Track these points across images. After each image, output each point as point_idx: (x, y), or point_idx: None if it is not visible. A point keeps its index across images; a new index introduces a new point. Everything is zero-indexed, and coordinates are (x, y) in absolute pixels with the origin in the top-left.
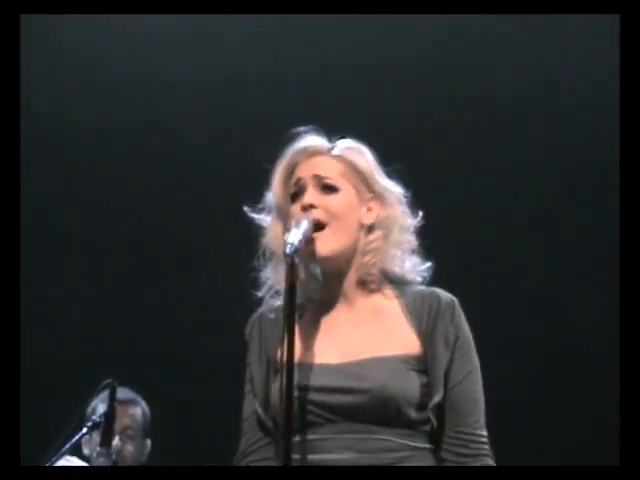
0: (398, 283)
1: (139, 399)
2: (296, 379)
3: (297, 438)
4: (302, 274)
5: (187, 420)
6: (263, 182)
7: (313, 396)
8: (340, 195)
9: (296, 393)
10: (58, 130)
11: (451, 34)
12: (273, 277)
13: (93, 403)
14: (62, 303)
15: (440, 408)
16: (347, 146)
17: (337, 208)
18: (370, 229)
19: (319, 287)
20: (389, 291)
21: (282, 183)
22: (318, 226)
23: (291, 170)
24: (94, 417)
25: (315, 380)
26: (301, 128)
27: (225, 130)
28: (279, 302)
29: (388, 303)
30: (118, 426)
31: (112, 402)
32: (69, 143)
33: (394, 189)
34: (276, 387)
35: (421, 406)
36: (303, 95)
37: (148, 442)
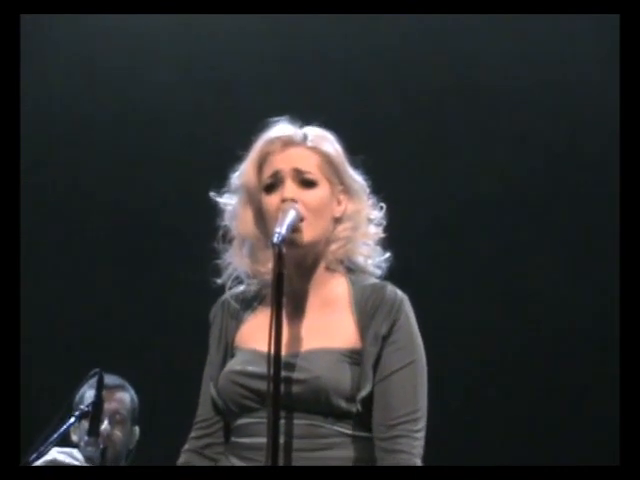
0: (356, 272)
1: (128, 386)
2: (237, 364)
3: (236, 421)
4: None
5: (177, 408)
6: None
7: (249, 382)
8: (318, 190)
9: (236, 378)
10: (58, 130)
11: (450, 33)
12: (236, 261)
13: (81, 391)
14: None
15: (370, 401)
16: (319, 135)
17: (315, 203)
18: (339, 220)
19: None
20: (345, 282)
21: (255, 171)
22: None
23: (264, 158)
24: (82, 406)
25: (254, 366)
26: (274, 118)
27: (225, 127)
28: (242, 288)
29: (340, 294)
30: (106, 410)
31: (99, 392)
32: (68, 142)
33: (360, 180)
34: (225, 371)
35: (353, 398)
36: (291, 87)
37: (137, 429)
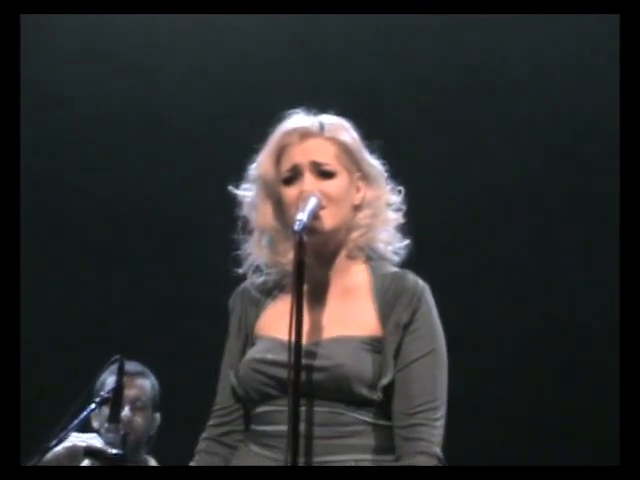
0: (376, 260)
1: (148, 372)
2: (257, 352)
3: (257, 409)
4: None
5: (197, 395)
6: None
7: (270, 370)
8: (337, 180)
9: (256, 365)
10: (58, 130)
11: (451, 34)
12: (256, 252)
13: (102, 377)
14: (62, 285)
15: (391, 389)
16: (335, 124)
17: (335, 193)
18: (359, 208)
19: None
20: (365, 269)
21: (273, 164)
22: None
23: (282, 151)
24: (102, 393)
25: (275, 354)
26: (290, 110)
27: (229, 122)
28: (262, 278)
29: (360, 282)
30: (127, 397)
31: (120, 378)
32: (69, 142)
33: (378, 166)
34: (245, 359)
35: (375, 386)
36: (293, 68)
37: (157, 416)
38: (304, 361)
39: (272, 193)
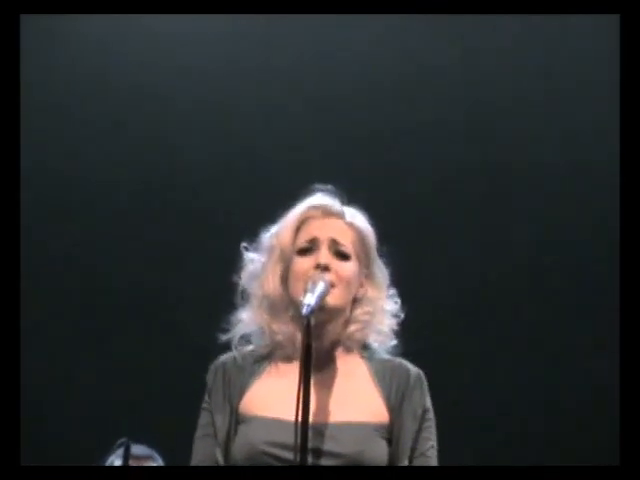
0: (368, 349)
1: (156, 455)
2: (262, 433)
3: None
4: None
5: None
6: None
7: (278, 452)
8: (350, 264)
9: (266, 448)
10: (58, 131)
11: (450, 33)
12: (253, 317)
13: (109, 460)
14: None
15: None
16: (356, 214)
17: (347, 275)
18: (357, 302)
19: (295, 341)
20: (361, 359)
21: (292, 232)
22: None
23: (302, 223)
24: None
25: (282, 436)
26: (317, 185)
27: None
28: (251, 347)
29: (358, 368)
30: None
31: (126, 462)
32: (69, 144)
33: (384, 270)
34: (240, 441)
35: None
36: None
37: None
38: (315, 445)
39: (284, 260)
